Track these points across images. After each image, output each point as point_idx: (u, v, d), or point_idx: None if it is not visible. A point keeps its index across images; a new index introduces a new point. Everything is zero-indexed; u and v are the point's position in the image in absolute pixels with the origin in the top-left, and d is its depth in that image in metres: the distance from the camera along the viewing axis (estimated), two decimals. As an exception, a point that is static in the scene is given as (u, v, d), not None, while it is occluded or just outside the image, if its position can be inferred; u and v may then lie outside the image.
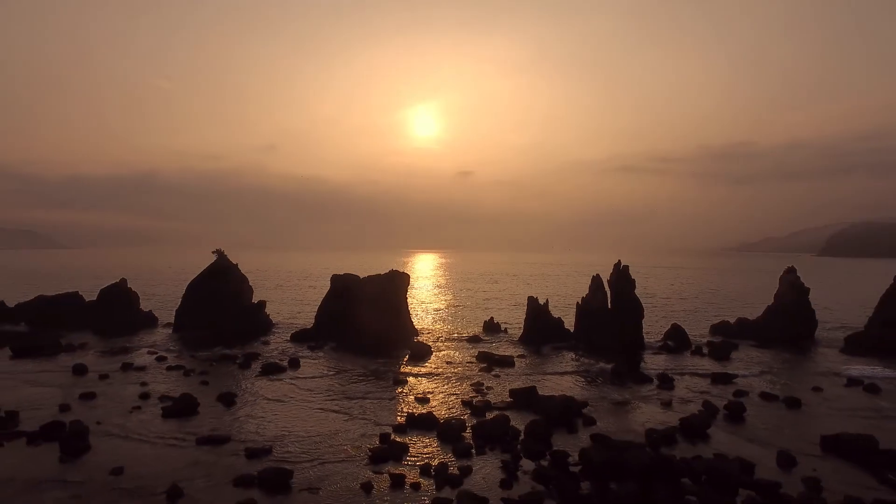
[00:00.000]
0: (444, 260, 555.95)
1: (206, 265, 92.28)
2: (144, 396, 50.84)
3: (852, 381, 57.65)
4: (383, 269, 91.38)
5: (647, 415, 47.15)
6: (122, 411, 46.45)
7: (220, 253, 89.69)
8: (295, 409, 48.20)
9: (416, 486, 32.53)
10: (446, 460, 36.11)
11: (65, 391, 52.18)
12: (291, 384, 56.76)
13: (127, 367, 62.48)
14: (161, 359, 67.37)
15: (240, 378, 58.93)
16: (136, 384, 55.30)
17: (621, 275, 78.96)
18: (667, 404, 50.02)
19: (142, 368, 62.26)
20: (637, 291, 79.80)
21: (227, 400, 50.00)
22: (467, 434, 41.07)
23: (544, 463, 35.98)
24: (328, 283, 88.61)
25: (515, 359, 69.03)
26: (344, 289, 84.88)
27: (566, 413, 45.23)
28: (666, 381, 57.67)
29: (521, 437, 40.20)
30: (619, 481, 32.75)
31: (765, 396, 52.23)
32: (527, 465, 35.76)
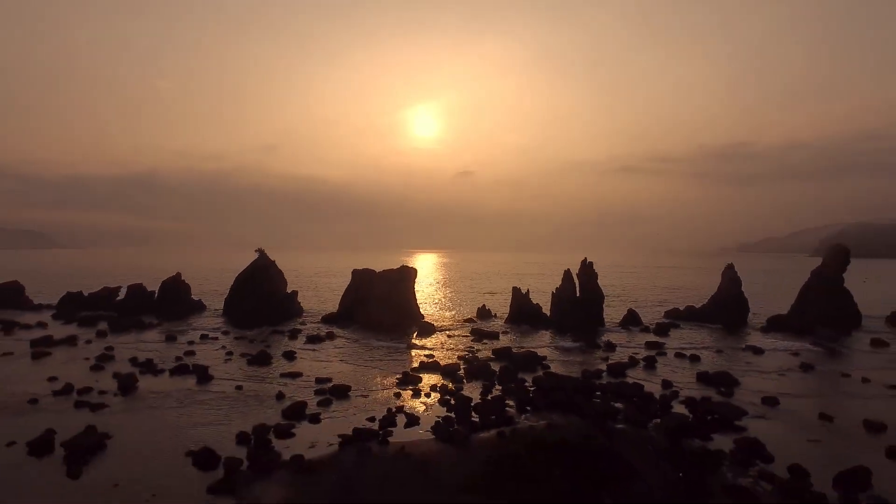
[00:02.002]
0: (444, 260, 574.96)
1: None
2: (229, 353, 70.51)
3: (748, 348, 77.24)
4: (379, 268, 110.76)
5: (588, 364, 66.64)
6: (219, 361, 66.05)
7: (261, 252, 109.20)
8: (338, 362, 67.56)
9: (427, 395, 52.07)
10: (447, 384, 55.67)
11: (170, 351, 71.80)
12: (330, 349, 76.28)
13: (204, 337, 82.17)
14: (226, 332, 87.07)
15: (291, 344, 78.46)
16: (219, 347, 75.04)
17: (586, 270, 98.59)
18: (604, 359, 69.57)
19: (215, 338, 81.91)
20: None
21: (289, 356, 69.63)
22: (461, 372, 60.67)
23: (511, 385, 55.52)
24: (339, 279, 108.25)
25: (500, 334, 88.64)
26: (363, 280, 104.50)
27: (530, 361, 64.98)
28: (610, 347, 77.33)
29: (497, 373, 59.76)
30: (555, 392, 52.32)
31: (677, 355, 71.90)
32: (499, 388, 55.28)
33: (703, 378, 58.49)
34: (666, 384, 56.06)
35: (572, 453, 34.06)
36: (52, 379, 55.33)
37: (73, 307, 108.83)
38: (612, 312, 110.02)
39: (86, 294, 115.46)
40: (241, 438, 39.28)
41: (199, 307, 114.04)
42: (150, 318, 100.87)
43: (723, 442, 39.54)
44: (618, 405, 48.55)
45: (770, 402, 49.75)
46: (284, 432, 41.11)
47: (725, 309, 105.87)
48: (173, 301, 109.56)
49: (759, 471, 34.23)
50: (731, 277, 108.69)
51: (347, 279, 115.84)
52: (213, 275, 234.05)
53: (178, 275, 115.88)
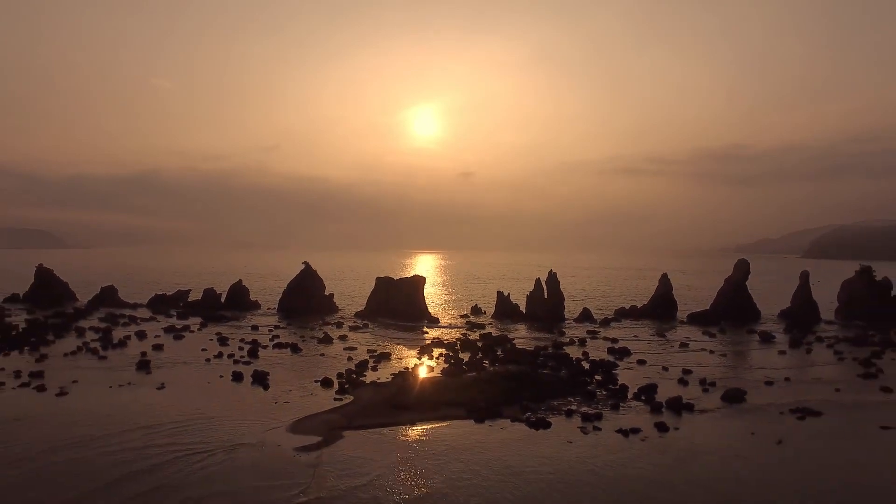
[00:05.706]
0: (444, 262, 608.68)
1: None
2: (301, 337, 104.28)
3: (657, 334, 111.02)
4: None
5: (543, 343, 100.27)
6: (299, 341, 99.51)
7: (307, 264, 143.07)
8: (375, 343, 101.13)
9: (437, 358, 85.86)
10: (449, 353, 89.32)
11: (260, 335, 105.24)
12: (367, 335, 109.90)
13: (276, 326, 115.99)
14: (289, 324, 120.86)
15: (340, 332, 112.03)
16: (291, 333, 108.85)
17: (552, 278, 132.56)
18: (553, 341, 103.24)
19: (284, 328, 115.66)
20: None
21: (343, 339, 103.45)
22: (458, 347, 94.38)
23: (488, 354, 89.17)
24: (354, 283, 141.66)
25: (486, 325, 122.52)
26: (385, 286, 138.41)
27: (502, 341, 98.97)
28: (561, 333, 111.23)
29: (480, 347, 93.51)
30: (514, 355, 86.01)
31: (604, 338, 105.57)
32: (480, 355, 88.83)
33: (610, 351, 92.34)
34: (584, 354, 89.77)
35: (513, 377, 67.83)
36: (203, 349, 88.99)
37: (163, 305, 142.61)
38: (576, 310, 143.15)
39: (167, 294, 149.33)
40: (339, 375, 72.85)
41: (256, 306, 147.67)
42: (225, 314, 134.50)
43: (598, 378, 73.22)
44: (550, 363, 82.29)
45: (641, 362, 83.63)
46: (360, 374, 74.78)
47: (659, 307, 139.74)
48: (239, 301, 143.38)
49: (606, 387, 67.95)
50: (664, 282, 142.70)
51: (357, 282, 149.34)
52: (232, 278, 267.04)
53: (240, 280, 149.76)
